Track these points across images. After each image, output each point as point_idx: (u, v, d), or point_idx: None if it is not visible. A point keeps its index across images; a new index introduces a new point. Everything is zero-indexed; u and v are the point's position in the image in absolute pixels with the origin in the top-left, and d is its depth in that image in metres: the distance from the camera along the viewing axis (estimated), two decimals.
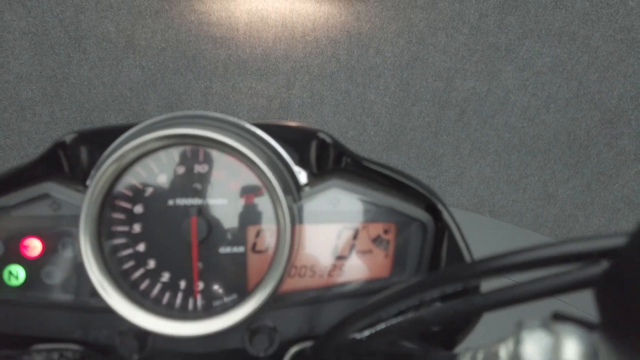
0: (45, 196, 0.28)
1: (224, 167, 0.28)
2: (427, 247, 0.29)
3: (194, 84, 1.72)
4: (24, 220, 0.28)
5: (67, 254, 0.28)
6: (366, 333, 0.25)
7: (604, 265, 0.15)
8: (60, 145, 0.28)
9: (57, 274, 0.28)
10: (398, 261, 0.30)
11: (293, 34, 1.75)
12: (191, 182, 0.28)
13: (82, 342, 0.28)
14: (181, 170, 0.28)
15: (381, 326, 0.24)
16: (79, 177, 0.29)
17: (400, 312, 0.23)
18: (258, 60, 1.82)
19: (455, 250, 0.28)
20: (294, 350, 0.28)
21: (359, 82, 1.88)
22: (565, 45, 1.60)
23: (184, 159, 0.28)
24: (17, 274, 0.28)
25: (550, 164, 1.82)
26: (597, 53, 1.58)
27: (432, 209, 0.29)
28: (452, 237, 0.28)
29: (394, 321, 0.23)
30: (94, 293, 0.28)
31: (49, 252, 0.28)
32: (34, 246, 0.28)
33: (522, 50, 1.65)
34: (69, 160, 0.28)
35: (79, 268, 0.28)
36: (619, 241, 0.15)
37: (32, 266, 0.28)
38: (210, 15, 1.66)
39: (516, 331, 0.16)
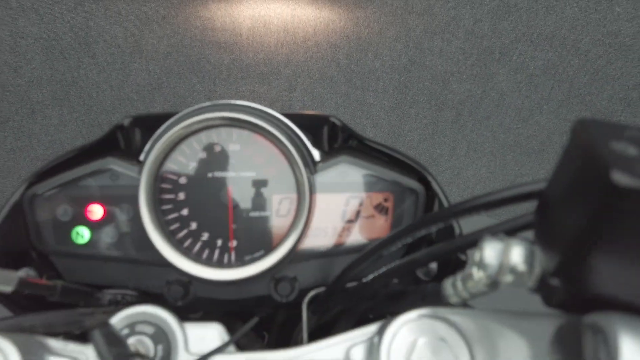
0: (106, 169, 0.34)
1: (253, 145, 0.35)
2: (419, 212, 0.36)
3: (198, 87, 1.79)
4: (88, 189, 0.34)
5: (124, 217, 0.35)
6: (370, 276, 0.31)
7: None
8: (118, 127, 0.34)
9: (115, 233, 0.35)
10: (396, 224, 0.36)
11: (294, 39, 1.82)
12: (226, 158, 0.35)
13: (136, 290, 0.35)
14: (218, 148, 0.35)
15: (382, 269, 0.31)
16: (133, 154, 0.35)
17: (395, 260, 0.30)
18: (260, 65, 1.88)
19: (440, 205, 0.35)
20: (311, 294, 0.34)
21: (358, 85, 1.94)
22: (557, 49, 1.67)
23: (220, 139, 0.35)
24: (82, 234, 0.35)
25: (545, 164, 1.89)
26: (587, 56, 1.66)
27: (424, 180, 0.36)
28: (440, 203, 0.35)
29: (392, 265, 0.30)
30: (146, 249, 0.35)
31: (109, 215, 0.35)
32: (97, 211, 0.35)
33: (515, 54, 1.73)
34: (125, 139, 0.35)
35: (134, 228, 0.35)
36: (542, 185, 0.21)
37: (96, 227, 0.35)
38: (214, 21, 1.73)
39: (480, 243, 0.22)
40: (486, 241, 0.21)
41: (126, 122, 0.35)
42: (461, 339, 0.25)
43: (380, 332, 0.26)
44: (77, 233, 0.35)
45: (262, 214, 0.35)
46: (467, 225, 0.31)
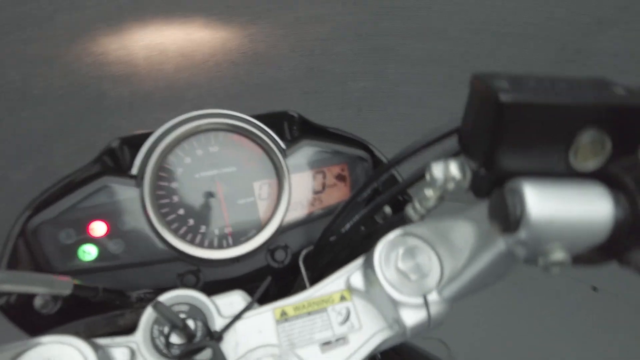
0: (103, 188, 0.39)
1: (230, 144, 0.42)
2: (369, 173, 0.46)
3: (101, 124, 1.74)
4: (88, 209, 0.39)
5: (127, 227, 0.40)
6: (347, 226, 0.41)
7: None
8: (108, 150, 0.39)
9: (122, 244, 0.39)
10: (354, 186, 0.46)
11: (193, 62, 1.86)
12: (209, 159, 0.42)
13: (152, 288, 0.40)
14: (200, 152, 0.41)
15: (356, 218, 0.40)
16: (124, 170, 0.40)
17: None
18: (162, 92, 1.88)
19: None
20: (304, 252, 0.42)
21: (264, 98, 2.03)
22: (435, 40, 1.92)
23: (201, 144, 0.41)
24: (89, 251, 0.39)
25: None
26: (464, 45, 1.92)
27: (368, 150, 0.46)
28: (380, 163, 0.45)
29: (359, 215, 0.40)
30: (154, 250, 0.40)
31: (113, 229, 0.39)
32: (99, 227, 0.39)
33: (400, 49, 1.95)
34: (116, 159, 0.40)
35: (138, 235, 0.40)
36: (457, 123, 0.32)
37: (101, 242, 0.39)
38: (107, 55, 1.70)
39: (427, 168, 0.32)
40: (432, 165, 0.31)
41: (115, 144, 0.40)
42: (426, 244, 0.35)
43: (369, 257, 0.36)
44: (84, 251, 0.38)
45: (248, 199, 0.42)
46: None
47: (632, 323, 1.58)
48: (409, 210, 0.36)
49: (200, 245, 0.41)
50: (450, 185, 0.31)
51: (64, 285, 0.29)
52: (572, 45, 1.70)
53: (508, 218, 0.26)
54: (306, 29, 1.96)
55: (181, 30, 1.83)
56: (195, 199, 0.41)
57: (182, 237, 0.40)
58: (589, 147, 0.27)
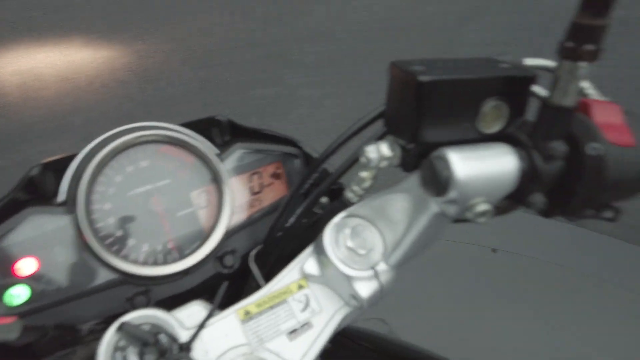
0: (27, 220, 0.36)
1: (160, 157, 0.42)
2: (303, 168, 0.49)
3: None
4: (11, 248, 0.35)
5: (61, 258, 0.37)
6: (291, 221, 0.43)
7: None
8: (28, 178, 0.36)
9: (58, 277, 0.37)
10: (290, 182, 0.48)
11: (77, 85, 1.72)
12: (141, 174, 0.41)
13: (100, 317, 0.38)
14: (130, 168, 0.40)
15: (299, 211, 0.42)
16: (48, 197, 0.37)
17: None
18: (45, 121, 1.72)
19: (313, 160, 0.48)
20: (254, 252, 0.43)
21: (158, 114, 1.94)
22: (323, 42, 2.01)
23: (130, 160, 0.40)
24: (18, 294, 0.35)
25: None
26: (348, 44, 2.03)
27: (297, 146, 0.49)
28: (313, 159, 0.48)
29: (301, 208, 0.42)
30: (96, 277, 0.38)
31: (45, 263, 0.36)
32: (28, 265, 0.36)
33: (291, 53, 2.01)
34: (37, 187, 0.37)
35: (75, 265, 0.37)
36: (382, 107, 0.36)
37: (33, 280, 0.36)
38: None
39: (360, 152, 0.36)
40: (365, 148, 0.35)
41: (35, 171, 0.37)
42: (367, 221, 0.39)
43: (319, 242, 0.38)
44: (11, 295, 0.35)
45: (188, 210, 0.42)
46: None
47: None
48: (348, 194, 0.39)
49: (145, 263, 0.39)
50: (384, 164, 0.35)
51: (9, 330, 0.27)
52: (444, 37, 1.91)
53: (439, 182, 0.31)
54: (197, 41, 1.93)
55: (57, 51, 1.68)
56: (133, 218, 0.40)
57: (125, 258, 0.39)
58: (492, 114, 0.33)
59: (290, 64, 1.96)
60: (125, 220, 0.39)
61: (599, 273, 1.83)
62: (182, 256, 0.41)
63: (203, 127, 0.45)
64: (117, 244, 0.39)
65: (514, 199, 0.33)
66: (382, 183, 0.39)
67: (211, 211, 0.43)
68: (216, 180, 0.43)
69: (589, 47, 0.27)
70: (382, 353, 0.65)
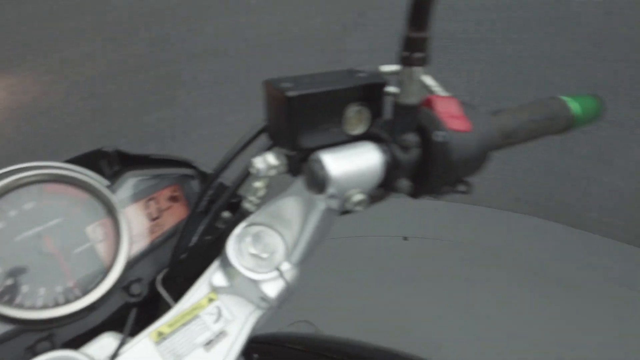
0: None
1: (47, 196, 0.41)
2: (199, 186, 0.50)
3: None
4: None
5: None
6: (194, 240, 0.44)
7: None
8: None
9: None
10: (189, 202, 0.50)
11: None
12: (27, 216, 0.39)
13: None
14: (14, 212, 0.39)
15: (200, 229, 0.44)
16: None
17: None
18: None
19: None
20: (159, 277, 0.44)
21: (45, 154, 1.81)
22: (216, 60, 2.00)
23: (11, 204, 0.39)
24: None
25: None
26: (249, 60, 2.05)
27: (192, 166, 0.50)
28: (207, 175, 0.50)
29: (205, 223, 0.44)
30: None
31: None
32: None
33: (185, 74, 1.98)
34: None
35: None
36: (263, 123, 0.40)
37: None
38: None
39: (249, 165, 0.39)
40: (253, 160, 0.38)
41: None
42: (266, 227, 0.42)
43: (223, 255, 0.40)
44: None
45: (85, 246, 0.41)
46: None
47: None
48: (246, 204, 0.42)
49: (45, 307, 0.38)
50: (272, 172, 0.38)
51: None
52: (331, 47, 2.02)
53: (318, 181, 0.35)
54: (78, 71, 1.82)
55: None
56: (24, 263, 0.38)
57: (20, 307, 0.37)
58: (355, 118, 0.38)
59: (185, 85, 1.93)
60: (15, 268, 0.38)
61: (503, 247, 2.06)
62: (85, 292, 0.40)
63: (90, 160, 0.44)
64: (8, 294, 0.37)
65: (384, 186, 0.39)
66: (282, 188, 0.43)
67: (110, 243, 0.43)
68: (110, 212, 0.43)
69: (419, 55, 0.34)
70: (312, 351, 0.69)
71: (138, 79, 1.89)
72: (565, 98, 0.50)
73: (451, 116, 0.39)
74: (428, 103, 0.39)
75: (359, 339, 0.71)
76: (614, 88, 1.97)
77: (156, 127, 1.96)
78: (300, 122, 0.35)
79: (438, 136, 0.37)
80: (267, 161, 0.38)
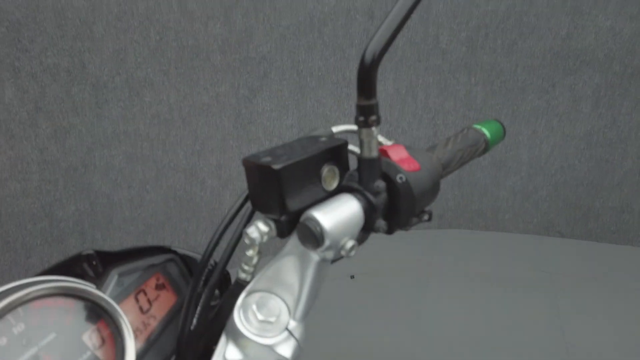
0: None
1: (35, 314, 0.40)
2: (184, 269, 0.52)
3: None
4: None
5: None
6: (195, 322, 0.46)
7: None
8: None
9: None
10: (176, 288, 0.51)
11: None
12: (21, 339, 0.38)
13: None
14: (4, 340, 0.37)
15: (199, 311, 0.46)
16: None
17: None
18: None
19: (190, 259, 0.52)
20: None
21: None
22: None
23: (0, 332, 0.37)
24: None
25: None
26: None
27: (171, 251, 0.52)
28: (188, 257, 0.52)
29: (202, 304, 0.46)
30: None
31: None
32: None
33: (97, 159, 1.91)
34: None
35: None
36: (246, 192, 0.44)
37: None
38: None
39: (244, 234, 0.42)
40: (246, 230, 0.42)
41: None
42: (267, 292, 0.45)
43: (231, 327, 0.42)
44: None
45: (86, 355, 0.40)
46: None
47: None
48: (241, 274, 0.45)
49: None
50: (265, 239, 0.42)
51: None
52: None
53: (315, 237, 0.40)
54: None
55: None
56: None
57: None
58: (329, 176, 0.44)
59: (99, 171, 1.86)
60: None
61: (442, 262, 2.20)
62: None
63: (70, 267, 0.44)
64: None
65: (365, 229, 0.44)
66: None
67: (109, 347, 0.42)
68: (104, 313, 0.43)
69: (372, 118, 0.41)
70: None
71: (51, 172, 1.78)
72: (477, 126, 0.61)
73: (403, 160, 0.46)
74: (384, 153, 0.46)
75: None
76: (484, 101, 2.30)
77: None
78: (287, 189, 0.40)
79: (400, 178, 0.44)
80: (259, 229, 0.41)
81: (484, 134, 0.59)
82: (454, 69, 2.26)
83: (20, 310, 0.39)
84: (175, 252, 0.52)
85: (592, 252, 2.30)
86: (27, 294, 0.39)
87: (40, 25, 1.61)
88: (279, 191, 0.40)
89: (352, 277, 2.05)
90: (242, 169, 0.41)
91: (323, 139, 0.46)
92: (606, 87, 2.15)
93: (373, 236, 0.47)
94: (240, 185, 2.13)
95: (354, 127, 0.45)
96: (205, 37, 1.90)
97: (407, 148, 0.48)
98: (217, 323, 0.45)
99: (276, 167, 0.39)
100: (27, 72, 1.62)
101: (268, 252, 0.45)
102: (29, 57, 1.61)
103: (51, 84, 1.67)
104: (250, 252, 0.44)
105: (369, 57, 0.38)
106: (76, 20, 1.67)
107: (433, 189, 0.48)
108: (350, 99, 2.24)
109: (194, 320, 0.46)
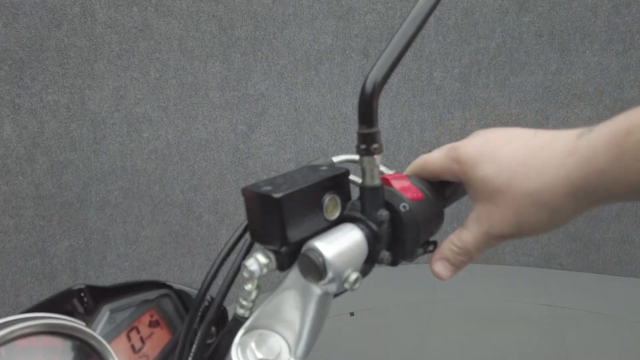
0: None
1: (22, 354, 0.37)
2: (178, 303, 0.49)
3: None
4: None
5: None
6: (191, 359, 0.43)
7: None
8: None
9: None
10: (170, 325, 0.48)
11: None
12: None
13: None
14: None
15: (194, 349, 0.43)
16: None
17: None
18: None
19: (185, 295, 0.50)
20: None
21: None
22: None
23: None
24: None
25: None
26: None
27: (166, 286, 0.50)
28: (184, 292, 0.50)
29: (198, 342, 0.43)
30: None
31: None
32: None
33: (93, 194, 1.89)
34: None
35: None
36: (245, 222, 0.43)
37: None
38: None
39: (243, 267, 0.40)
40: (245, 263, 0.40)
41: None
42: (266, 329, 0.42)
43: None
44: None
45: None
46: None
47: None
48: (239, 310, 0.42)
49: None
50: (265, 271, 0.40)
51: None
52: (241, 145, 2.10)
53: (317, 269, 0.38)
54: None
55: None
56: None
57: None
58: (330, 205, 0.42)
59: (94, 206, 1.83)
60: None
61: (442, 299, 2.16)
62: None
63: (60, 302, 0.42)
64: None
65: (368, 261, 0.43)
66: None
67: None
68: (93, 353, 0.40)
69: (374, 146, 0.40)
70: None
71: (46, 205, 1.76)
72: None
73: (406, 189, 0.45)
74: (386, 182, 0.45)
75: None
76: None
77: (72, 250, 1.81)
78: (288, 219, 0.39)
79: (403, 207, 0.43)
80: (259, 261, 0.40)
81: None
82: (449, 104, 2.29)
83: (2, 350, 0.37)
84: (170, 287, 0.50)
85: (594, 284, 2.26)
86: (10, 332, 0.37)
87: (43, 63, 1.63)
88: (280, 221, 0.38)
89: (352, 314, 1.99)
90: (239, 203, 0.40)
91: (324, 168, 0.45)
92: (598, 120, 2.18)
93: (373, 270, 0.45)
94: (237, 220, 2.11)
95: (355, 157, 0.44)
96: (204, 75, 1.93)
97: (409, 177, 0.47)
98: (217, 355, 0.43)
99: (277, 195, 0.37)
100: (27, 108, 1.63)
101: (265, 288, 0.43)
102: (30, 94, 1.63)
103: (50, 120, 1.68)
104: (248, 286, 0.42)
105: (370, 84, 0.38)
106: (78, 59, 1.69)
107: (437, 218, 0.46)
108: (347, 134, 2.26)
109: (190, 358, 0.43)
